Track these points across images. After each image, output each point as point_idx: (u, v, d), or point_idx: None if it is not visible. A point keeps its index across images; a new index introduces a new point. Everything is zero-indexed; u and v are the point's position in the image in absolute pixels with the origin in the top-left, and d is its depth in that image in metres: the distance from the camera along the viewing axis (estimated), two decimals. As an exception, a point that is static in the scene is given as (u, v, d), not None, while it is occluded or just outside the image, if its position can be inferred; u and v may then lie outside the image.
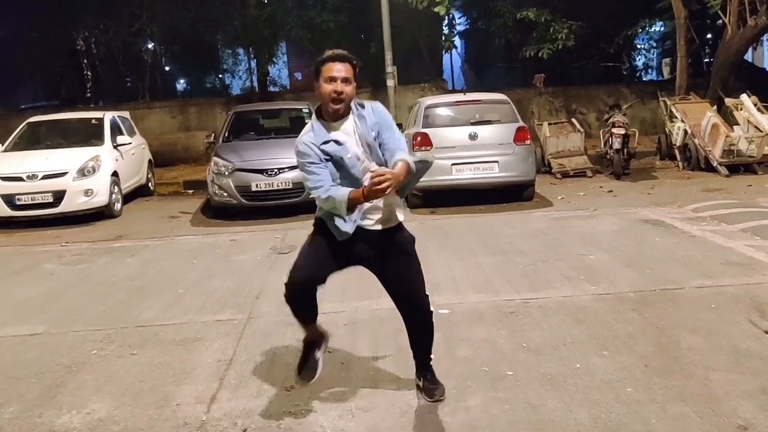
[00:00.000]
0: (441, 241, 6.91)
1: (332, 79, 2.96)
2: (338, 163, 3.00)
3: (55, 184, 9.19)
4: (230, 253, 7.00)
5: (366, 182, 2.94)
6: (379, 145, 3.04)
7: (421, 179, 3.22)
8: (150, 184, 12.20)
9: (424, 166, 3.13)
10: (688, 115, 11.43)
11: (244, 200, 8.98)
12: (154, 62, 19.46)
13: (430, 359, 3.41)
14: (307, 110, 10.47)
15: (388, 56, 13.25)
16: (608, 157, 11.40)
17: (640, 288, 4.98)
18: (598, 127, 14.08)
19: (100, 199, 9.47)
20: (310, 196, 3.18)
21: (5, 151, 10.21)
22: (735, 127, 10.94)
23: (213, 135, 10.81)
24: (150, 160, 12.40)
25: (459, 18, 18.36)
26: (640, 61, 20.31)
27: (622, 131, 10.84)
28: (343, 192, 2.94)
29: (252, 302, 5.18)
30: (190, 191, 12.24)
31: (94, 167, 9.56)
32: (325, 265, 3.10)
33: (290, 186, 8.72)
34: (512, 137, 9.01)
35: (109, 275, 6.37)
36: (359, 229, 3.06)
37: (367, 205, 3.03)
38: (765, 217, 7.00)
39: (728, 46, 13.05)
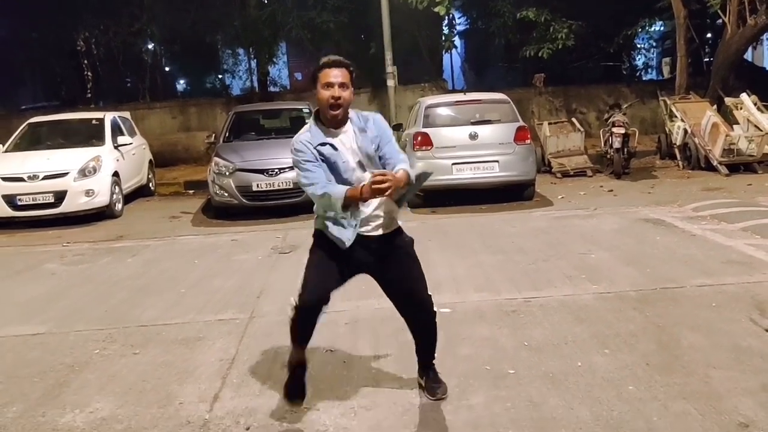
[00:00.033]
0: (442, 240, 6.93)
1: (329, 85, 2.99)
2: (332, 166, 3.02)
3: (56, 185, 9.20)
4: (231, 253, 7.01)
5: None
6: (380, 158, 3.07)
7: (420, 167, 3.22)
8: (151, 185, 12.21)
9: (423, 176, 3.15)
10: (688, 115, 11.44)
11: (245, 200, 8.99)
12: (155, 62, 19.49)
13: (434, 358, 3.42)
14: (307, 110, 10.48)
15: (388, 56, 13.27)
16: (608, 156, 11.41)
17: (641, 287, 5.00)
18: (598, 127, 14.10)
19: (101, 199, 9.48)
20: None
21: (6, 151, 10.23)
22: (735, 126, 10.95)
23: (213, 135, 10.82)
24: (151, 161, 12.42)
25: (459, 18, 18.37)
26: (640, 61, 20.35)
27: (622, 131, 10.85)
28: (340, 189, 2.94)
29: (254, 302, 5.19)
30: (191, 191, 12.25)
31: (95, 167, 9.57)
32: (331, 282, 3.09)
33: (291, 186, 8.72)
34: (512, 137, 9.02)
35: (110, 275, 6.38)
36: (359, 237, 3.05)
37: (367, 211, 3.04)
38: (765, 216, 7.01)
39: (728, 45, 13.06)
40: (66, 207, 9.21)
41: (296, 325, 3.13)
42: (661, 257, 5.81)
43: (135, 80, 19.54)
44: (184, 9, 16.67)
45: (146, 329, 4.70)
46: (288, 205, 8.78)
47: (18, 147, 10.36)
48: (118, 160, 10.30)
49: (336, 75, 3.00)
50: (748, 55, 17.02)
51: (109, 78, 19.10)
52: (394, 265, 3.18)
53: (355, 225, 3.03)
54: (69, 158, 9.66)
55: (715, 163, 10.57)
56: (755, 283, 4.92)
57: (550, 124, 12.61)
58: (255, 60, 18.25)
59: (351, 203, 2.95)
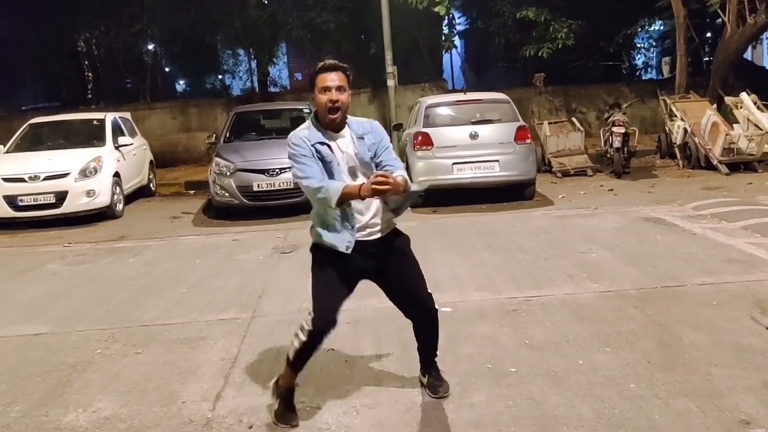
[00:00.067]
0: (443, 240, 6.94)
1: (327, 89, 3.01)
2: (326, 167, 3.03)
3: (57, 185, 9.21)
4: (233, 253, 7.02)
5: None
6: (376, 165, 3.08)
7: (421, 180, 3.26)
8: (151, 185, 12.22)
9: (413, 194, 3.18)
10: (688, 114, 11.45)
11: (245, 200, 9.00)
12: (155, 63, 19.50)
13: (436, 356, 3.43)
14: (307, 110, 10.48)
15: (388, 56, 13.27)
16: (608, 155, 11.42)
17: (642, 285, 5.01)
18: (598, 126, 14.11)
19: (102, 199, 9.49)
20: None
21: (7, 152, 10.23)
22: (735, 125, 10.95)
23: (214, 135, 10.83)
24: (151, 161, 12.43)
25: (459, 18, 18.38)
26: (639, 60, 20.35)
27: (622, 130, 10.85)
28: (337, 185, 2.94)
29: (255, 301, 5.20)
30: (192, 192, 12.26)
31: (95, 168, 9.58)
32: (340, 300, 3.11)
33: (292, 186, 8.70)
34: (513, 136, 9.03)
35: (112, 275, 6.39)
36: (357, 243, 3.05)
37: (364, 219, 3.05)
38: (765, 214, 7.02)
39: (728, 44, 13.07)
40: (67, 207, 9.22)
41: (307, 350, 3.12)
42: (661, 256, 5.82)
43: (135, 81, 19.55)
44: (184, 9, 16.68)
45: (148, 329, 4.71)
46: (289, 204, 8.78)
47: (19, 148, 10.38)
48: (118, 161, 10.31)
49: (333, 79, 3.02)
50: (747, 55, 17.01)
51: (110, 78, 19.12)
52: (392, 264, 3.19)
53: (351, 227, 3.03)
54: (70, 159, 9.67)
55: (715, 162, 10.58)
56: (756, 282, 4.93)
57: (550, 123, 12.61)
58: (255, 60, 18.26)
59: (346, 200, 2.95)
